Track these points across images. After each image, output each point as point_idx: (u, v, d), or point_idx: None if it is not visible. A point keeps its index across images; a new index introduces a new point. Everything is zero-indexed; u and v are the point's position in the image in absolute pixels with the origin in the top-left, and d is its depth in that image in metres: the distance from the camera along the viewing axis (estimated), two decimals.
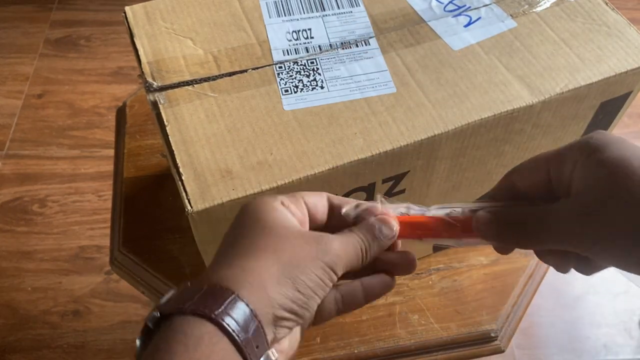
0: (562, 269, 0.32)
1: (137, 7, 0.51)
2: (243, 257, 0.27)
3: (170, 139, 0.42)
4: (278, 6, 0.51)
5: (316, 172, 0.40)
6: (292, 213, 0.30)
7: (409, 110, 0.44)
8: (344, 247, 0.29)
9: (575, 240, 0.28)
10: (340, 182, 0.43)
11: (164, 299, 0.27)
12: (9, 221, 1.24)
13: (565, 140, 0.53)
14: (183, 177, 0.40)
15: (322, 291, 0.28)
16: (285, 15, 0.50)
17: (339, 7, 0.51)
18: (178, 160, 0.41)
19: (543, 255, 0.32)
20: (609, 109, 0.51)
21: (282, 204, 0.30)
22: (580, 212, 0.28)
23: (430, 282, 0.62)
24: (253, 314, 0.25)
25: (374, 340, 0.58)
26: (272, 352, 0.26)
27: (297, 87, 0.45)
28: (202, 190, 0.39)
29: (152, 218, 0.66)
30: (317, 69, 0.47)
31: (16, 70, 1.52)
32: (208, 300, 0.25)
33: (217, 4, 0.51)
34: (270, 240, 0.28)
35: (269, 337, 0.26)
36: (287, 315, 0.27)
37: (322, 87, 0.45)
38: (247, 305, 0.25)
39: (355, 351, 0.58)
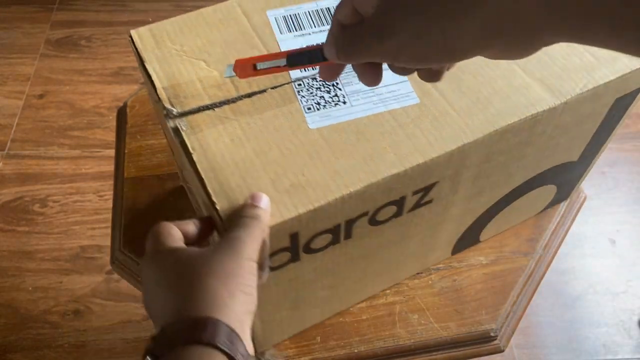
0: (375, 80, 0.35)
1: (143, 30, 0.49)
2: (197, 290, 0.33)
3: (198, 167, 0.40)
4: (288, 21, 0.50)
5: (351, 191, 0.39)
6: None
7: (435, 120, 0.43)
8: (249, 236, 0.35)
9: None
10: (374, 199, 0.42)
11: (153, 344, 0.33)
12: (10, 221, 1.24)
13: (580, 138, 0.53)
14: (217, 207, 0.38)
15: (256, 278, 0.35)
16: (296, 30, 0.49)
17: None
18: (209, 189, 0.39)
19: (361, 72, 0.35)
20: (621, 105, 0.51)
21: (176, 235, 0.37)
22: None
23: (430, 282, 0.62)
24: (231, 329, 0.31)
25: (374, 339, 0.59)
26: (249, 350, 0.33)
27: (319, 103, 0.44)
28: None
29: (153, 218, 0.66)
30: (337, 83, 0.46)
31: (17, 71, 1.52)
32: (198, 330, 0.31)
33: (225, 23, 0.50)
34: (200, 270, 0.33)
35: (244, 339, 0.32)
36: (247, 316, 0.34)
37: (344, 103, 0.44)
38: (226, 325, 0.31)
39: (355, 351, 0.58)
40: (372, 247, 0.49)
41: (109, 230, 0.67)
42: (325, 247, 0.44)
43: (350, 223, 0.43)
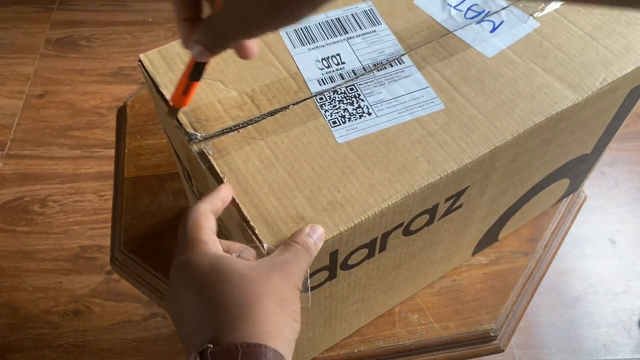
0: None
1: (152, 53, 0.47)
2: (248, 311, 0.31)
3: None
4: (299, 34, 0.49)
5: (390, 204, 0.39)
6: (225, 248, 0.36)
7: (464, 126, 0.43)
8: (298, 262, 0.35)
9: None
10: (409, 209, 0.41)
11: None
12: (10, 221, 1.24)
13: (595, 130, 0.54)
14: (256, 231, 0.37)
15: (300, 305, 0.34)
16: (309, 43, 0.48)
17: (361, 28, 0.49)
18: (245, 213, 0.38)
19: None
20: (634, 94, 0.52)
21: (217, 244, 0.35)
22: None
23: (430, 282, 0.62)
24: (281, 356, 0.30)
25: (373, 339, 0.59)
26: None
27: (344, 117, 0.44)
28: (279, 241, 0.37)
29: (153, 218, 0.67)
30: (359, 95, 0.45)
31: (17, 71, 1.52)
32: (251, 358, 0.29)
33: None
34: (256, 288, 0.32)
35: None
36: (293, 344, 0.33)
37: (369, 114, 0.44)
38: (277, 351, 0.30)
39: (355, 351, 0.58)
40: (403, 257, 0.49)
41: (109, 230, 0.67)
42: (361, 262, 0.44)
43: (385, 235, 0.43)
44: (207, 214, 0.35)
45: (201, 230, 0.34)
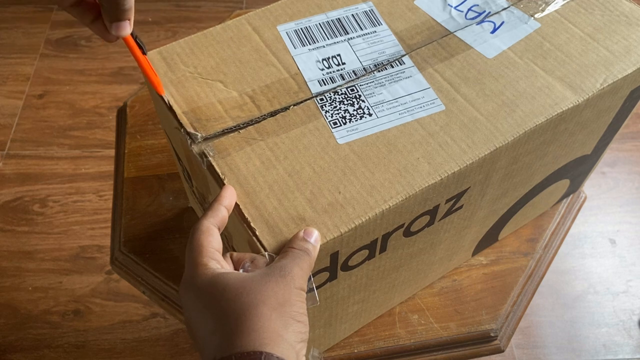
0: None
1: (152, 53, 0.48)
2: (245, 322, 0.31)
3: None
4: (300, 35, 0.49)
5: (390, 205, 0.39)
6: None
7: (465, 127, 0.43)
8: (298, 266, 0.35)
9: None
10: (410, 211, 0.42)
11: None
12: (10, 221, 1.24)
13: (595, 132, 0.54)
14: (257, 233, 0.38)
15: (306, 307, 0.34)
16: (310, 44, 0.48)
17: (361, 28, 0.49)
18: (246, 215, 0.38)
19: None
20: (635, 96, 0.52)
21: (218, 262, 0.35)
22: None
23: (430, 282, 0.62)
24: None
25: (373, 339, 0.59)
26: None
27: (344, 117, 0.44)
28: (280, 243, 0.37)
29: (153, 218, 0.67)
30: (359, 96, 0.45)
31: (17, 71, 1.52)
32: None
33: (237, 40, 0.49)
34: (250, 297, 0.32)
35: None
36: (301, 345, 0.32)
37: (370, 115, 0.44)
38: (278, 357, 0.30)
39: (355, 351, 0.58)
40: (403, 258, 0.49)
41: (109, 230, 0.67)
42: (361, 262, 0.44)
43: (386, 237, 0.43)
44: (209, 231, 0.36)
45: (202, 252, 0.35)
